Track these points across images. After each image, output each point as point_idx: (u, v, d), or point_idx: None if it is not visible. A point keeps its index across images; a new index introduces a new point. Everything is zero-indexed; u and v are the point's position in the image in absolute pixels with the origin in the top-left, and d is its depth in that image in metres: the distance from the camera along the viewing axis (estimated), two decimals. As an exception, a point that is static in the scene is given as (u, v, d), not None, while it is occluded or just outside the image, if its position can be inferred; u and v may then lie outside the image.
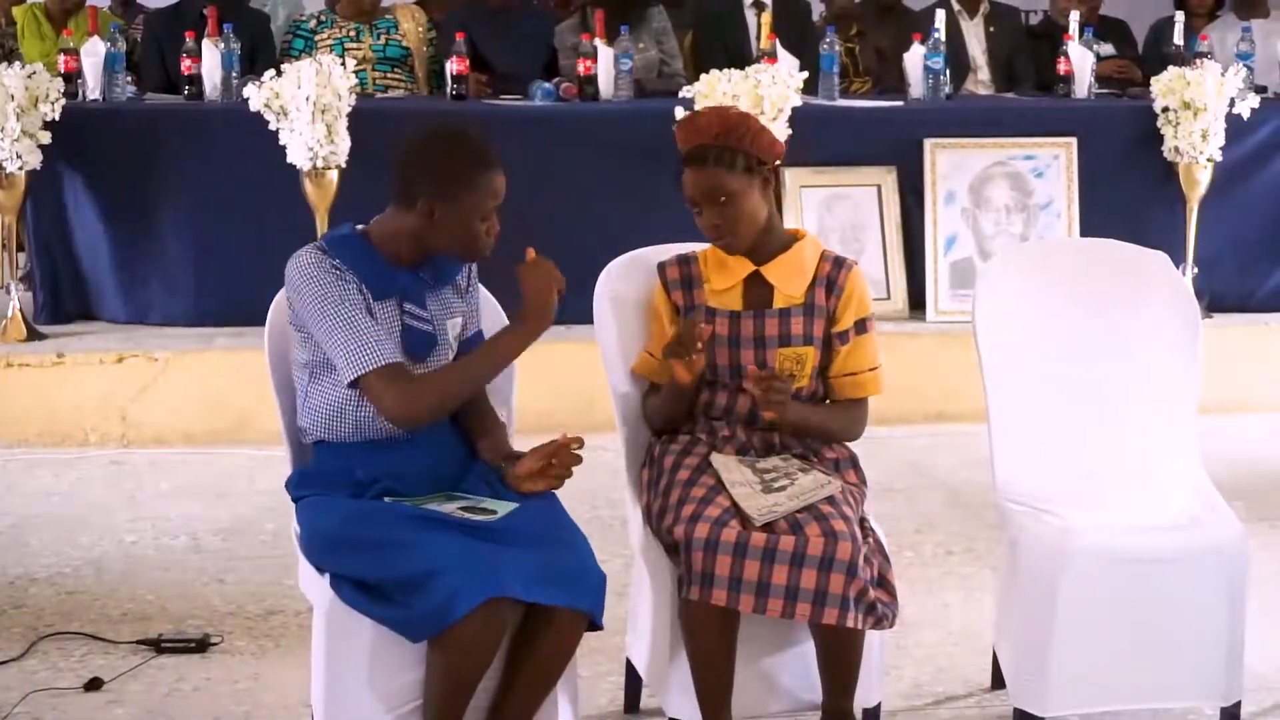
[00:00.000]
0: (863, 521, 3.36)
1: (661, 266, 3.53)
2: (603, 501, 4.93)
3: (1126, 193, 6.68)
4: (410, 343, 3.23)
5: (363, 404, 3.21)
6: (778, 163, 3.45)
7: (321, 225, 6.07)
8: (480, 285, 3.44)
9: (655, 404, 3.53)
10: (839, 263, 3.48)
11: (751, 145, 3.38)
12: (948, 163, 6.63)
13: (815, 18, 7.85)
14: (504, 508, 3.16)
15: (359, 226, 3.29)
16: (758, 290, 3.46)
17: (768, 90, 6.15)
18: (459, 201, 3.18)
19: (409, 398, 3.15)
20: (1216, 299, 6.69)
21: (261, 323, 3.44)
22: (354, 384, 3.15)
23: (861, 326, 3.47)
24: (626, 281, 3.60)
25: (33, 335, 6.20)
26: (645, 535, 3.40)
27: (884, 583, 3.30)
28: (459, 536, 3.06)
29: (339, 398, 3.23)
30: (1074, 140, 6.68)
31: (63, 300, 6.46)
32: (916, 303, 6.59)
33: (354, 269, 3.19)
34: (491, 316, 3.48)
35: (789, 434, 3.44)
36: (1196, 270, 6.56)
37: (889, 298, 6.55)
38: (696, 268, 3.51)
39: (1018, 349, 3.68)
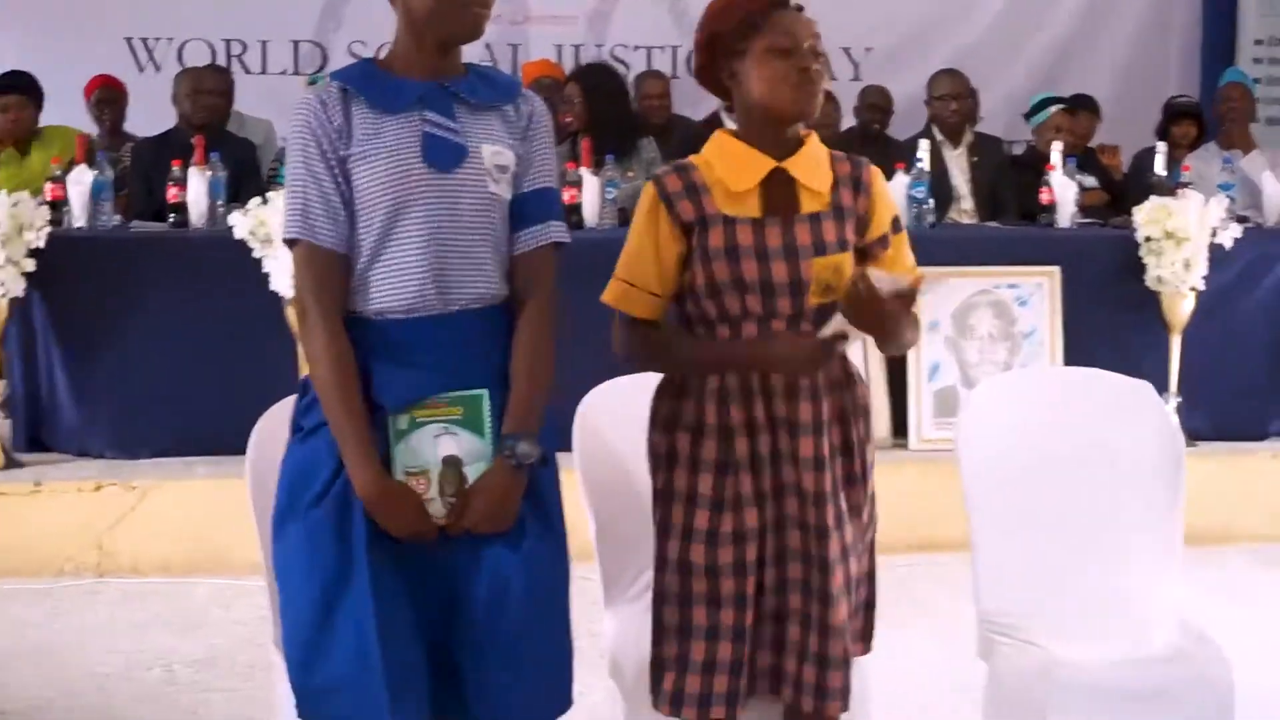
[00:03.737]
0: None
1: (658, 179, 3.07)
2: (582, 632, 4.84)
3: (1110, 321, 6.70)
4: (431, 150, 2.90)
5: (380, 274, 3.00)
6: None
7: (304, 353, 6.03)
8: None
9: (639, 345, 3.24)
10: (855, 161, 3.12)
11: None
12: (931, 291, 6.61)
13: (799, 147, 7.89)
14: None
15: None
16: (778, 192, 3.04)
17: (751, 219, 6.15)
18: None
19: (310, 291, 3.04)
20: (1200, 428, 6.70)
21: (243, 451, 3.41)
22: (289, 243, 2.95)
23: (896, 224, 3.16)
24: (605, 410, 3.58)
25: (10, 463, 6.16)
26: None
27: (870, 606, 3.20)
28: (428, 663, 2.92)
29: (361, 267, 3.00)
30: (1057, 269, 6.70)
31: (42, 428, 6.42)
32: (900, 430, 6.58)
33: (360, 87, 2.90)
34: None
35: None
36: (1180, 399, 6.56)
37: (873, 426, 6.52)
38: (698, 175, 3.05)
39: (1001, 478, 3.65)
